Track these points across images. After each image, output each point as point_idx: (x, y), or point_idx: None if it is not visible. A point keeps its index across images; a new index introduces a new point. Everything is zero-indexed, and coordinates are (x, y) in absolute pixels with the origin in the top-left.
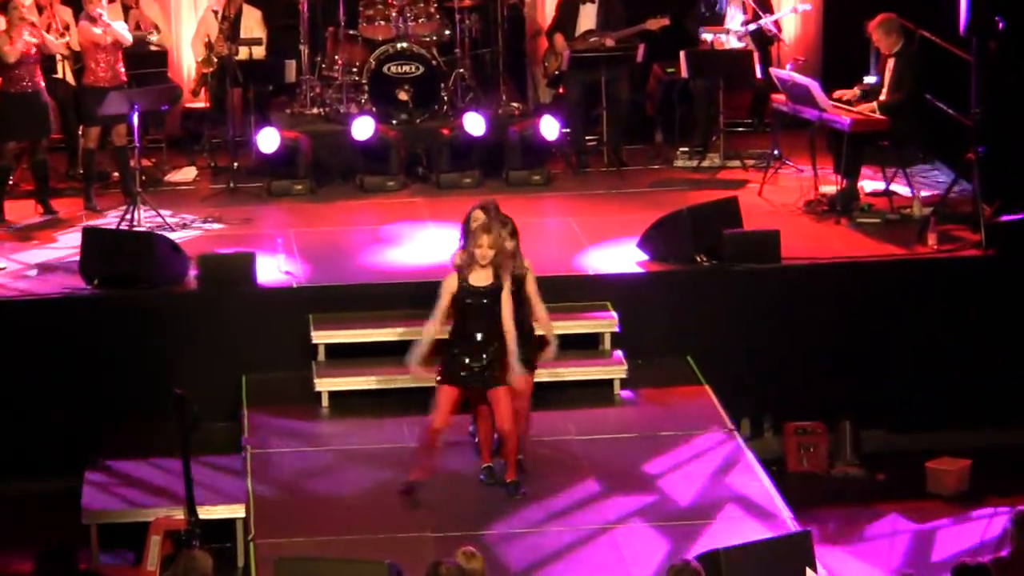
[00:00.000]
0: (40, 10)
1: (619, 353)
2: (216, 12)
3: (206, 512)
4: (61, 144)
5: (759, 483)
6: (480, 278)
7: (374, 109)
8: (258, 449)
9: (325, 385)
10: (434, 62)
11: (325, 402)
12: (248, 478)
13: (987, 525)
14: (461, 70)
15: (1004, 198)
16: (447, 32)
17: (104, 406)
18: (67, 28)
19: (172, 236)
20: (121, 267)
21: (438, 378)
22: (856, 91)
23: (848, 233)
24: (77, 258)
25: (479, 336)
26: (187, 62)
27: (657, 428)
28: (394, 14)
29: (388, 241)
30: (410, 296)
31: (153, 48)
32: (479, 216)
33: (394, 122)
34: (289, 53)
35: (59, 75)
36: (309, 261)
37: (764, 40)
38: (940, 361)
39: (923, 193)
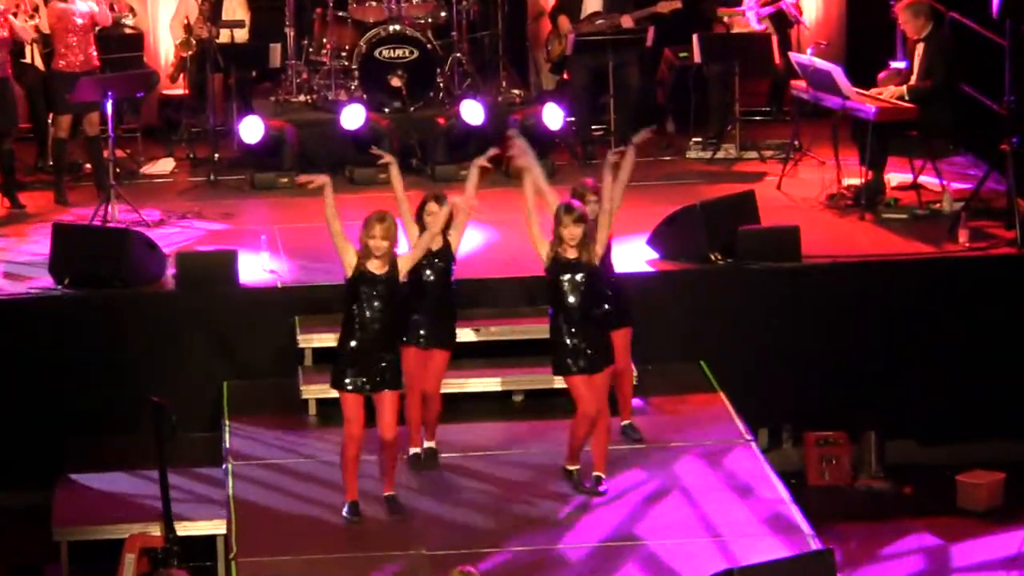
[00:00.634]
0: None
1: None
2: None
3: (184, 528)
4: (29, 134)
5: (777, 497)
6: (377, 265)
7: (365, 96)
8: (240, 461)
9: (312, 392)
10: (429, 46)
11: (312, 410)
12: (229, 492)
13: (1022, 543)
14: (458, 54)
15: None
16: (443, 14)
17: (76, 415)
18: (36, 10)
19: (148, 233)
20: (93, 266)
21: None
22: (902, 89)
23: (873, 229)
24: (46, 256)
25: (371, 332)
26: (165, 46)
27: (668, 438)
28: None
29: None
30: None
31: (128, 31)
32: (433, 209)
33: (386, 110)
34: (274, 36)
35: (27, 60)
36: (295, 259)
37: (784, 23)
38: (971, 367)
39: (953, 186)
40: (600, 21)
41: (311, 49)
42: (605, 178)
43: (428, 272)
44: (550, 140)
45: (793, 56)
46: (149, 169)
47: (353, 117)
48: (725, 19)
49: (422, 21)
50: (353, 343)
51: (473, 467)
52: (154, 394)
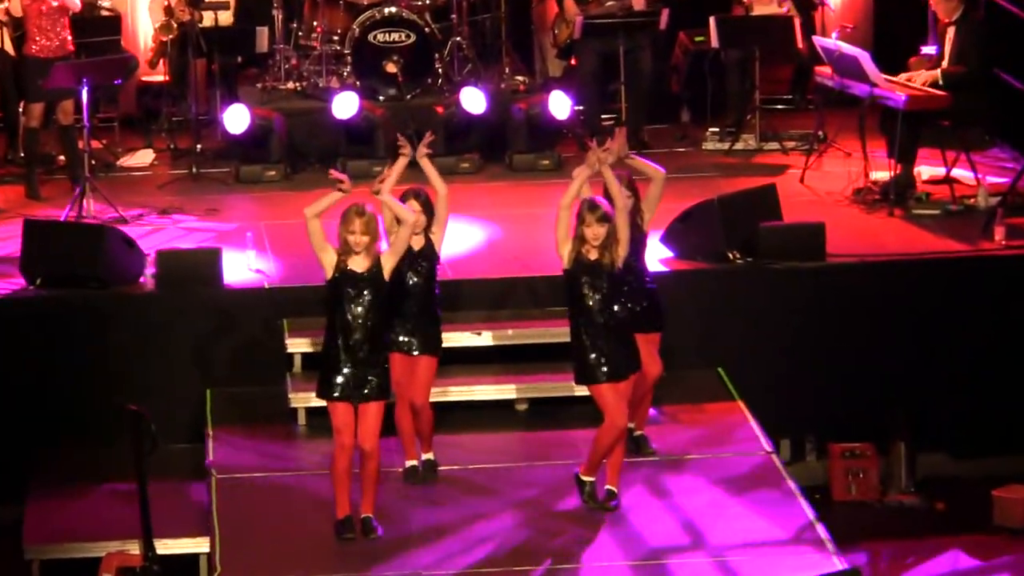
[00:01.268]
0: None
1: None
2: None
3: (165, 546)
4: None
5: (800, 513)
6: (359, 263)
7: (358, 83)
8: (225, 474)
9: (301, 400)
10: (427, 29)
11: (302, 419)
12: (213, 507)
13: None
14: (458, 38)
15: None
16: None
17: (48, 424)
18: None
19: (126, 229)
20: (68, 265)
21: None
22: (936, 73)
23: (902, 226)
24: (17, 254)
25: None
26: (144, 29)
27: (684, 450)
28: None
29: None
30: None
31: (105, 13)
32: (415, 206)
33: (381, 98)
34: (260, 19)
35: None
36: (283, 258)
37: (807, 4)
38: (1008, 373)
39: (989, 180)
40: (610, 3)
41: (300, 33)
42: (605, 176)
43: (411, 275)
44: (556, 130)
45: (817, 40)
46: (127, 161)
47: (345, 106)
48: (744, 0)
49: (419, 3)
50: (338, 348)
51: (476, 480)
52: (133, 402)
